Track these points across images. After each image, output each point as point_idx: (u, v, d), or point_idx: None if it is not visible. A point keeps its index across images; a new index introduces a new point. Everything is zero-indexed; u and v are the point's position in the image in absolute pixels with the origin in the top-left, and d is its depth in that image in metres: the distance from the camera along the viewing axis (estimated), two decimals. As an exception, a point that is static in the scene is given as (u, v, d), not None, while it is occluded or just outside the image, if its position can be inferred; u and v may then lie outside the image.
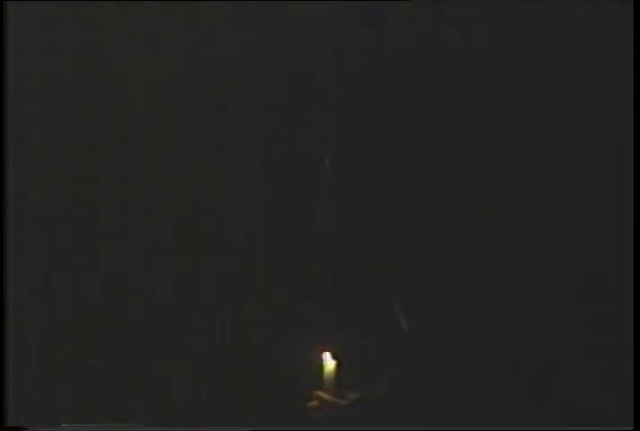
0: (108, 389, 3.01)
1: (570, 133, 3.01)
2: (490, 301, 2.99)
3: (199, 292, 3.06)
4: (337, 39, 3.08)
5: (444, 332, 2.99)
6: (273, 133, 3.11)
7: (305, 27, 3.08)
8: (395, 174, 3.07)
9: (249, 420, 2.91)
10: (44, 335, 3.00)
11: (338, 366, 2.88)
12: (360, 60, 3.07)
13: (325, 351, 2.88)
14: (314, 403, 2.88)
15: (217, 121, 3.11)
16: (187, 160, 3.09)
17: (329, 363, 2.87)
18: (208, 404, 3.03)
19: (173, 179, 3.09)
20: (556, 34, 3.01)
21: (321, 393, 2.87)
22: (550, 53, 3.02)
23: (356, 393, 2.89)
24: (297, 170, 3.12)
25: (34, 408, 2.97)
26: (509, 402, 2.91)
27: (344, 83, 3.08)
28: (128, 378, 3.01)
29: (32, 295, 3.02)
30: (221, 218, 3.09)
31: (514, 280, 2.99)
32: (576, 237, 2.99)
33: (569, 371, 2.94)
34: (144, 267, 3.02)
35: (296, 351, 2.97)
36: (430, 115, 3.05)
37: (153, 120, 3.08)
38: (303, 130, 3.10)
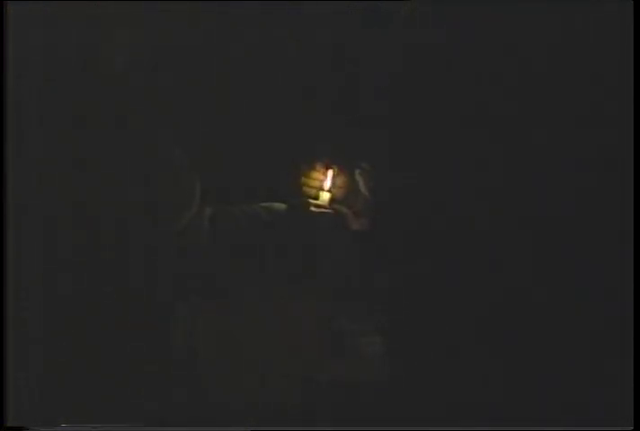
0: (108, 389, 3.00)
1: (569, 133, 3.01)
2: (490, 300, 2.99)
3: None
4: (337, 39, 3.08)
5: (444, 332, 3.00)
6: (273, 132, 3.11)
7: (305, 27, 3.08)
8: (395, 174, 3.07)
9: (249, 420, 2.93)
10: (44, 335, 3.00)
11: None
12: (360, 60, 3.08)
13: None
14: None
15: (216, 121, 3.11)
16: (187, 160, 3.09)
17: None
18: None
19: (173, 178, 3.09)
20: (556, 34, 3.01)
21: None
22: (550, 53, 3.02)
23: None
24: (296, 169, 3.13)
25: (34, 408, 2.97)
26: (509, 402, 2.92)
27: (344, 83, 3.09)
28: (128, 378, 3.01)
29: (32, 295, 3.01)
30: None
31: (514, 280, 2.99)
32: (576, 237, 3.00)
33: (569, 371, 2.94)
34: (144, 267, 3.02)
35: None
36: (429, 115, 3.05)
37: (153, 120, 3.08)
38: (303, 130, 3.10)
